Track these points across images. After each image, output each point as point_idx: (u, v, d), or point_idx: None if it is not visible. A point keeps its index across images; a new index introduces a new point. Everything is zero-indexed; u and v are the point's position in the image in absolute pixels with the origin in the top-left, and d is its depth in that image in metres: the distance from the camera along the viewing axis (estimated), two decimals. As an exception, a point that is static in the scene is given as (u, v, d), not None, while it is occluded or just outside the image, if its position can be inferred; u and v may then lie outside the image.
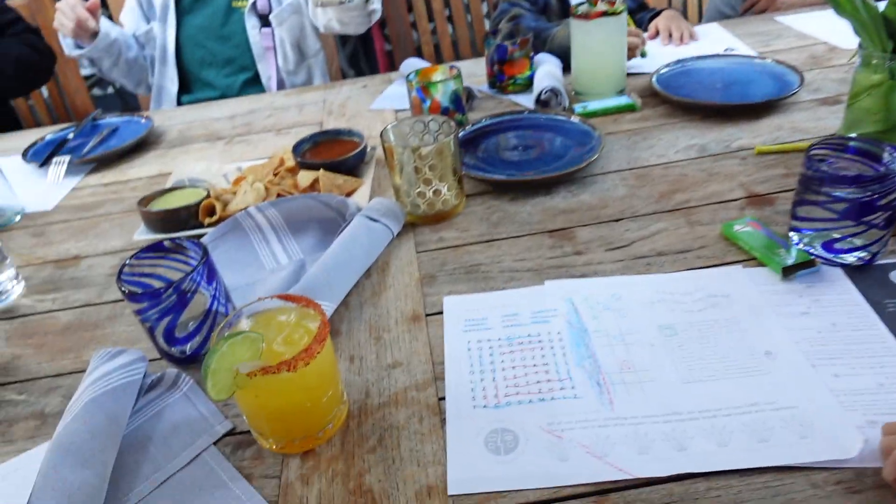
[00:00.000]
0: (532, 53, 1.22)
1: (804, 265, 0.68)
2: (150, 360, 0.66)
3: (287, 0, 1.50)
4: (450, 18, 1.88)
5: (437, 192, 0.84)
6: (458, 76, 1.05)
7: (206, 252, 0.64)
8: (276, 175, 0.96)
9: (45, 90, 1.91)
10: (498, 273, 0.75)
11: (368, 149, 1.03)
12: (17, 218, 1.04)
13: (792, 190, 0.83)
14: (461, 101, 1.07)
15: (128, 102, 2.77)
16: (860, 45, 0.87)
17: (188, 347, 0.65)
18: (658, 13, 1.45)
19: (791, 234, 0.73)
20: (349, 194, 0.94)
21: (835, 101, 1.05)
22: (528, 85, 1.22)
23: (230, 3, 1.50)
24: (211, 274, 0.64)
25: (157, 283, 0.65)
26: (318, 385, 0.54)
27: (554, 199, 0.88)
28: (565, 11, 1.57)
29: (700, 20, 1.91)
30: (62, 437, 0.53)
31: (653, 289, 0.69)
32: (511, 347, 0.64)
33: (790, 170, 0.88)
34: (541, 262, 0.76)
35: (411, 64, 1.34)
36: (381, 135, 0.83)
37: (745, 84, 1.11)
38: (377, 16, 1.35)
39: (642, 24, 1.45)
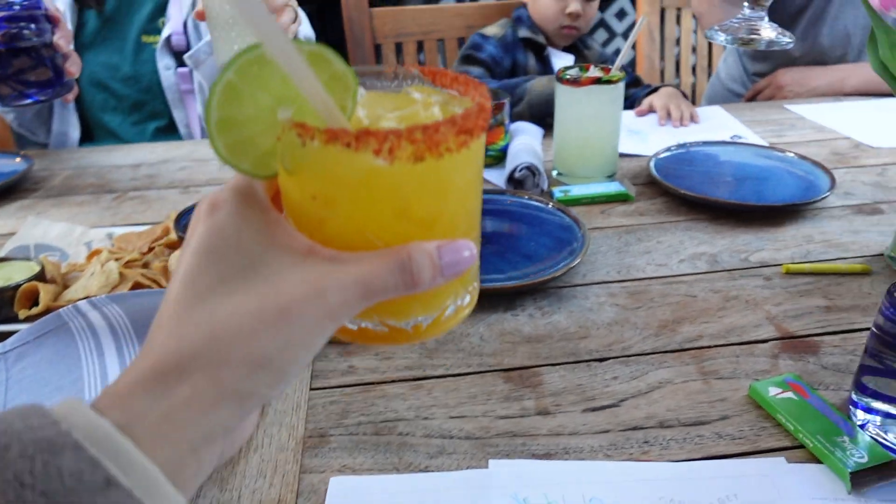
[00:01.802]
0: (507, 121, 1.01)
1: (887, 469, 0.44)
2: None
3: (207, 38, 1.25)
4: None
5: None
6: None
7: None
8: (150, 251, 0.71)
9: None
10: (422, 438, 0.50)
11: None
12: None
13: (841, 332, 0.60)
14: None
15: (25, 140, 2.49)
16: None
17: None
18: (655, 90, 1.27)
19: (853, 410, 0.50)
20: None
21: (872, 209, 0.84)
22: (500, 158, 1.01)
23: (139, 38, 1.25)
24: None
25: None
26: (432, 215, 0.28)
27: (518, 319, 0.64)
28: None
29: (699, 102, 1.75)
30: None
31: (652, 489, 0.45)
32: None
33: (832, 301, 0.66)
34: (488, 422, 0.51)
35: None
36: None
37: (762, 181, 0.91)
38: None
39: (636, 102, 1.27)
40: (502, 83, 1.21)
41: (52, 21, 0.92)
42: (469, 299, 0.32)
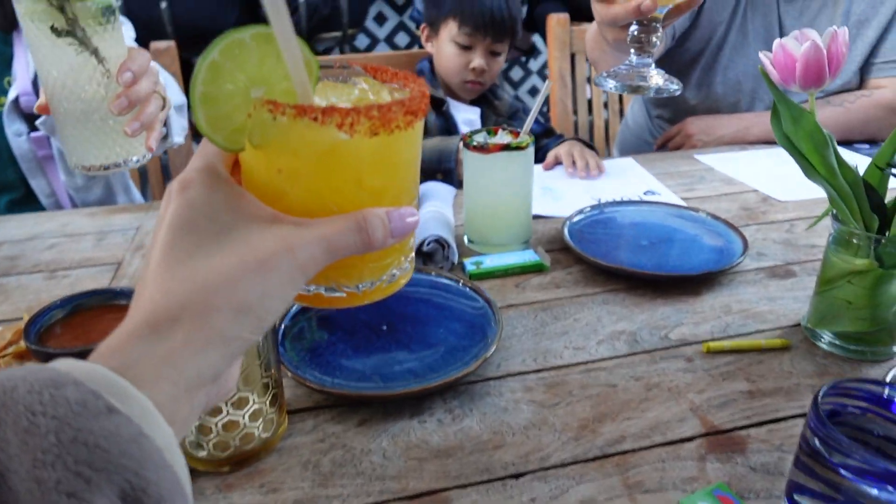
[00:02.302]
0: (416, 185, 0.95)
1: None
2: None
3: None
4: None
5: (231, 423, 0.51)
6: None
7: None
8: (-9, 366, 0.60)
9: None
10: None
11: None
12: None
13: (766, 423, 0.57)
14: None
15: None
16: (835, 217, 0.66)
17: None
18: (561, 141, 1.25)
19: (788, 529, 0.45)
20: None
21: (785, 271, 0.83)
22: (409, 224, 0.95)
23: None
24: None
25: None
26: (383, 185, 0.33)
27: (426, 427, 0.57)
28: (447, 132, 1.35)
29: (612, 147, 1.76)
30: None
31: None
32: None
33: (755, 383, 0.62)
34: (388, 577, 0.44)
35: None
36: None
37: (677, 244, 0.89)
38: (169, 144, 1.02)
39: (546, 153, 1.25)
40: None
41: None
42: (407, 268, 0.36)
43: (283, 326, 0.68)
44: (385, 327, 0.70)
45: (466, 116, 1.38)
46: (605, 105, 1.84)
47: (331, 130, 0.29)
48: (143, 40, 1.21)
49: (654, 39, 0.72)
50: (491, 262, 0.84)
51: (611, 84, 0.72)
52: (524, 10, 3.19)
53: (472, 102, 1.39)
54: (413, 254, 0.37)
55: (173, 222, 0.30)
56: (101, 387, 0.24)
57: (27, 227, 1.01)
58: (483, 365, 0.63)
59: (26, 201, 1.15)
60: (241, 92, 0.31)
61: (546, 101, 1.73)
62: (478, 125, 1.38)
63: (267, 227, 0.30)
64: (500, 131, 0.88)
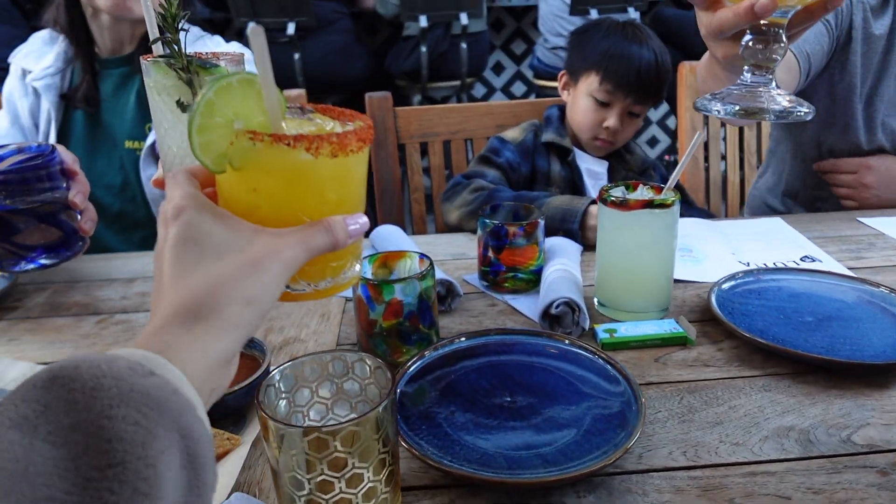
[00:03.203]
0: (542, 240, 0.89)
1: None
2: None
3: None
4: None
5: (344, 501, 0.46)
6: (430, 272, 0.71)
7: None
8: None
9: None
10: None
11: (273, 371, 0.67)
12: None
13: None
14: (430, 306, 0.72)
15: None
16: None
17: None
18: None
19: None
20: (220, 457, 0.57)
21: None
22: (534, 282, 0.88)
23: (124, 144, 1.15)
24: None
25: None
26: (340, 198, 0.41)
27: (555, 526, 0.49)
28: (571, 183, 1.27)
29: (741, 208, 1.61)
30: None
31: None
32: None
33: (979, 515, 0.49)
34: None
35: (383, 236, 1.01)
36: (257, 395, 0.46)
37: (850, 322, 0.75)
38: None
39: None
40: (519, 193, 1.10)
41: (69, 175, 0.82)
42: (357, 269, 0.45)
43: (398, 392, 0.63)
44: (508, 398, 0.62)
45: (592, 169, 1.30)
46: (741, 162, 1.68)
47: (300, 153, 0.37)
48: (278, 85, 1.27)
49: (776, 53, 0.55)
50: (626, 330, 0.75)
51: (717, 107, 0.57)
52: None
53: (601, 155, 1.31)
54: (361, 258, 0.45)
55: (177, 240, 0.37)
56: (143, 359, 0.31)
57: (145, 262, 1.04)
58: (623, 455, 0.55)
59: (153, 240, 1.20)
60: (228, 124, 0.38)
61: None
62: (604, 179, 1.30)
63: (254, 237, 0.37)
64: (640, 186, 0.80)
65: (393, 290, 0.68)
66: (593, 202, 1.01)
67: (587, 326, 0.76)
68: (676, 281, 0.89)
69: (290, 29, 2.72)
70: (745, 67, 0.58)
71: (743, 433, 0.59)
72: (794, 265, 0.94)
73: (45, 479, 0.26)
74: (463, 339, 0.70)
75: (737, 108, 0.56)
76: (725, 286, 0.83)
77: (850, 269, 0.93)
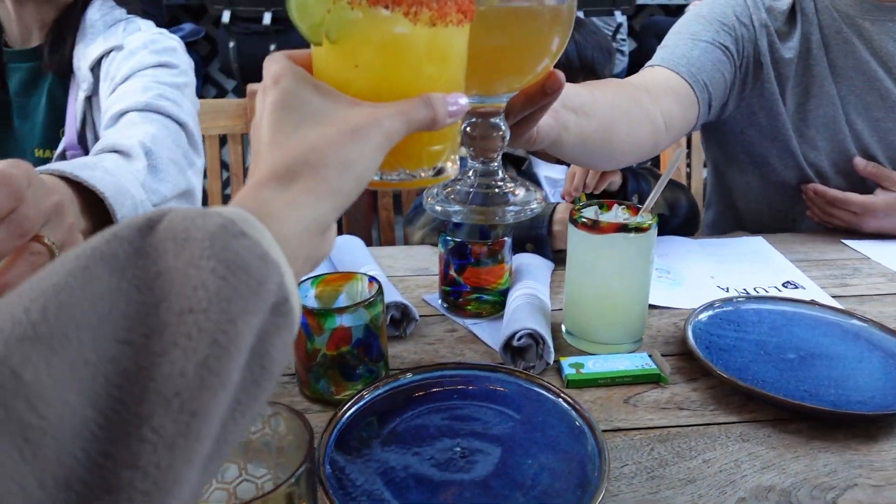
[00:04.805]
0: (509, 259, 0.82)
1: None
2: None
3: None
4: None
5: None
6: (379, 297, 0.64)
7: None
8: None
9: None
10: None
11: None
12: None
13: None
14: (378, 336, 0.65)
15: None
16: None
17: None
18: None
19: None
20: None
21: None
22: (499, 305, 0.81)
23: (33, 151, 1.01)
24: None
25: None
26: (438, 74, 0.39)
27: None
28: None
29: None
30: None
31: None
32: None
33: None
34: None
35: (340, 247, 0.94)
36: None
37: (835, 361, 0.70)
38: None
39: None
40: None
41: None
42: (453, 165, 0.44)
43: (335, 433, 0.56)
44: (459, 449, 0.56)
45: (551, 176, 1.23)
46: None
47: (398, 18, 0.36)
48: (254, 81, 1.21)
49: (495, 142, 0.50)
50: (595, 365, 0.68)
51: (439, 208, 0.50)
52: (626, 61, 3.03)
53: (559, 160, 1.23)
54: (458, 155, 0.44)
55: (276, 106, 0.36)
56: (237, 218, 0.30)
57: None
58: (582, 522, 0.48)
59: None
60: None
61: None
62: (563, 185, 1.23)
63: (353, 106, 0.36)
64: (615, 206, 0.73)
65: (335, 318, 0.61)
66: (558, 203, 0.98)
67: (551, 361, 0.69)
68: (652, 307, 0.83)
69: (267, 19, 2.62)
70: (469, 153, 0.52)
71: (717, 494, 0.53)
72: (777, 291, 0.88)
73: (127, 323, 0.26)
74: (410, 374, 0.63)
75: (465, 210, 0.49)
76: (702, 316, 0.77)
77: (834, 296, 0.87)
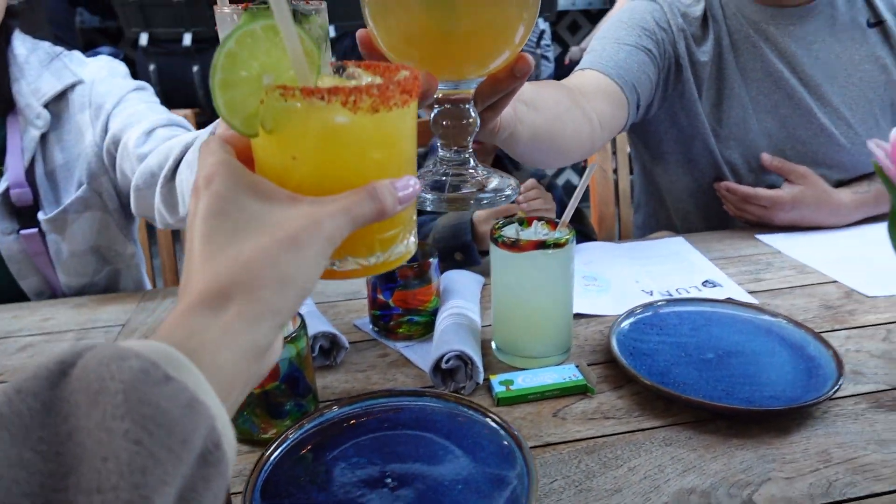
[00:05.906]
0: (437, 279, 0.83)
1: None
2: None
3: (75, 194, 0.97)
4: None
5: None
6: (302, 331, 0.63)
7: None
8: None
9: None
10: None
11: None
12: None
13: None
14: (303, 371, 0.64)
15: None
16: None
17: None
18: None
19: None
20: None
21: (893, 399, 0.67)
22: (431, 325, 0.81)
23: None
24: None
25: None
26: (385, 160, 0.36)
27: None
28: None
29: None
30: None
31: None
32: None
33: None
34: None
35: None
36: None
37: (750, 357, 0.73)
38: None
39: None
40: None
41: None
42: (410, 243, 0.40)
43: (262, 475, 0.54)
44: (389, 479, 0.55)
45: None
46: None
47: (336, 108, 0.33)
48: (176, 105, 1.25)
49: (466, 130, 0.50)
50: (524, 381, 0.69)
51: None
52: (552, 67, 3.10)
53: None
54: (415, 231, 0.40)
55: (207, 213, 0.33)
56: (159, 358, 0.27)
57: (4, 321, 0.91)
58: (512, 544, 0.49)
59: (17, 301, 1.00)
60: (255, 79, 0.34)
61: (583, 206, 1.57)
62: None
63: (291, 207, 0.33)
64: (534, 223, 0.75)
65: (257, 358, 0.60)
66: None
67: (481, 380, 0.70)
68: (579, 315, 0.85)
69: (187, 40, 2.56)
70: (440, 143, 0.52)
71: (643, 501, 0.55)
72: (697, 291, 0.92)
73: (28, 499, 0.23)
74: (336, 407, 0.63)
75: (437, 199, 0.49)
76: (625, 324, 0.79)
77: (750, 292, 0.91)
